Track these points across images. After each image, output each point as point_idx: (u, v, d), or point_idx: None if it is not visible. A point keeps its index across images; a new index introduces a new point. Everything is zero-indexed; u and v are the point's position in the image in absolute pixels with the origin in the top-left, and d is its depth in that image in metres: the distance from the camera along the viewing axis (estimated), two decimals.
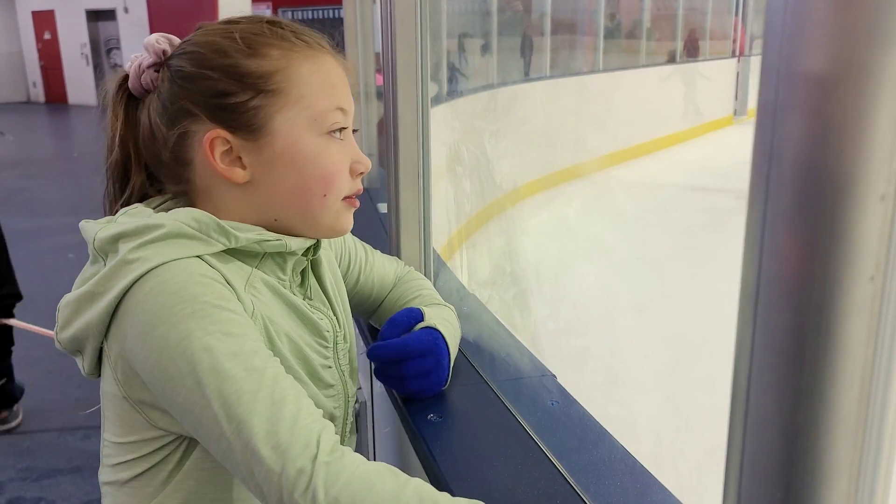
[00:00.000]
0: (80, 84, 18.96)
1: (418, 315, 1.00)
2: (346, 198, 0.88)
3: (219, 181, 0.84)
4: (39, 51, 19.59)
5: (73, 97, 19.43)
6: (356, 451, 0.94)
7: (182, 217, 0.79)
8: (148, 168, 0.90)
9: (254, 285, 0.83)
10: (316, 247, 0.92)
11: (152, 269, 0.74)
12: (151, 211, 0.85)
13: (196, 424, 0.72)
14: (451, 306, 1.09)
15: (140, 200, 0.89)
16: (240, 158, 0.83)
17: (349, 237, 1.11)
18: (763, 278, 0.38)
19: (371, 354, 0.96)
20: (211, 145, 0.82)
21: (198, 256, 0.77)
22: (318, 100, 0.84)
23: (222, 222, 0.80)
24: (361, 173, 0.89)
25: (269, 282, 0.85)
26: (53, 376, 3.49)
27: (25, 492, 2.66)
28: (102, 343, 0.78)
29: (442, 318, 1.01)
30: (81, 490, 2.66)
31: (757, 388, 0.40)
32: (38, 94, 20.15)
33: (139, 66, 0.86)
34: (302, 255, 0.90)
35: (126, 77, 0.89)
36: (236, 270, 0.81)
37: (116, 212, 0.87)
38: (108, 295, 0.75)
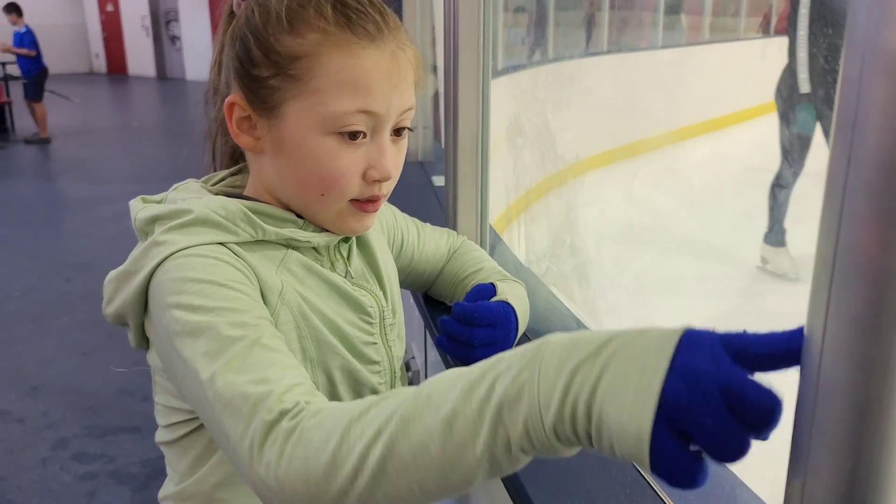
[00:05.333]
0: (140, 55, 19.34)
1: (490, 290, 0.99)
2: (355, 201, 0.84)
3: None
4: (102, 22, 20.01)
5: (133, 68, 19.84)
6: None
7: (212, 204, 0.80)
8: None
9: (288, 266, 0.82)
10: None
11: (177, 251, 0.75)
12: (199, 187, 0.87)
13: (180, 385, 0.72)
14: (521, 282, 1.07)
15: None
16: (257, 128, 0.82)
17: (399, 214, 1.09)
18: (841, 247, 0.38)
19: (454, 309, 0.95)
20: (230, 109, 0.82)
21: (221, 243, 0.78)
22: (336, 99, 0.77)
23: (253, 214, 0.80)
24: (377, 180, 0.83)
25: (304, 261, 0.84)
26: (115, 339, 3.61)
27: (89, 447, 2.76)
28: (143, 318, 0.80)
29: (515, 295, 1.00)
30: (141, 449, 2.76)
31: (829, 357, 0.40)
32: (101, 64, 20.62)
33: None
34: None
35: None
36: (267, 255, 0.81)
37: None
38: (140, 274, 0.77)
